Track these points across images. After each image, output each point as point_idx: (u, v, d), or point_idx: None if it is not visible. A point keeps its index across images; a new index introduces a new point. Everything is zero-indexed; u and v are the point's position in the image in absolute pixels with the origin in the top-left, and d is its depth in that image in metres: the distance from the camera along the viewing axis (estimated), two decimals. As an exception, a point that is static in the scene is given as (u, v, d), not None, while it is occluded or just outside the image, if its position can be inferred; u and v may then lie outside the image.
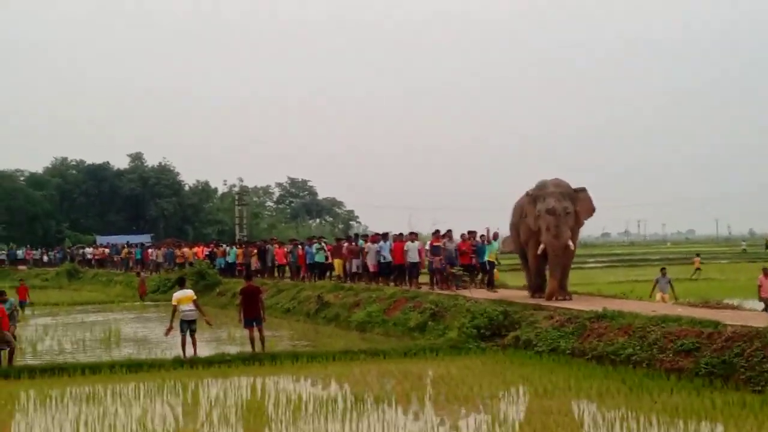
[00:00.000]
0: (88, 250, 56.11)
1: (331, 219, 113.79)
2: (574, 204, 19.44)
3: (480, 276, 24.08)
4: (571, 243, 19.22)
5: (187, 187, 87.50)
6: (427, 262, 24.39)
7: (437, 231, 24.33)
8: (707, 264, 44.82)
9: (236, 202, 63.47)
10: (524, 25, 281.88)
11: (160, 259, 42.43)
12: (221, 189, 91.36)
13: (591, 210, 20.01)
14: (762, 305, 20.44)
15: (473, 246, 23.61)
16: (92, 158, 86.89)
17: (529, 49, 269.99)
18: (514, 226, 21.28)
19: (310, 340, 20.33)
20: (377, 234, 27.45)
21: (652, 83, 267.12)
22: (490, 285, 23.22)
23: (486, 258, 23.33)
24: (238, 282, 25.71)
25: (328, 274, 28.84)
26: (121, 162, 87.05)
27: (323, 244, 29.76)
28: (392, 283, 24.65)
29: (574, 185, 19.95)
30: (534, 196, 19.68)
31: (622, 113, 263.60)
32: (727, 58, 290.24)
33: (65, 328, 23.41)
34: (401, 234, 25.28)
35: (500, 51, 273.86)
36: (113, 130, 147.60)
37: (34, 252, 61.80)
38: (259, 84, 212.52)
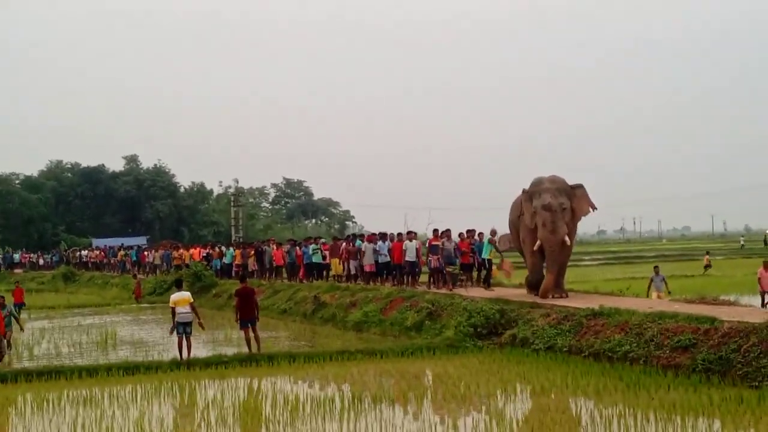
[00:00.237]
0: (85, 252, 56.08)
1: (327, 219, 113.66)
2: (571, 200, 19.39)
3: (477, 274, 24.06)
4: (567, 239, 19.18)
5: (182, 189, 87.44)
6: (426, 260, 24.35)
7: (436, 230, 24.31)
8: (702, 261, 44.89)
9: (232, 204, 63.33)
10: (524, 24, 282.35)
11: (158, 261, 42.41)
12: (217, 190, 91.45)
13: (590, 207, 19.88)
14: (760, 299, 20.55)
15: (472, 245, 23.59)
16: (87, 161, 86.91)
17: (527, 49, 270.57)
18: (513, 224, 21.27)
19: (307, 341, 20.31)
20: (374, 234, 27.43)
21: (651, 83, 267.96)
22: (487, 283, 23.20)
23: (485, 255, 23.25)
24: (235, 283, 25.66)
25: (324, 274, 28.80)
26: (116, 164, 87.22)
27: (320, 244, 29.73)
28: (388, 283, 24.64)
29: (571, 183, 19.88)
30: (530, 193, 19.67)
31: (619, 113, 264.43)
32: (725, 57, 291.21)
33: (62, 331, 23.35)
34: (400, 234, 25.27)
35: (499, 51, 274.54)
36: (108, 133, 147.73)
37: (32, 255, 61.76)
38: (254, 85, 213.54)
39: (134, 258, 46.14)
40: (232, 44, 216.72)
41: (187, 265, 36.62)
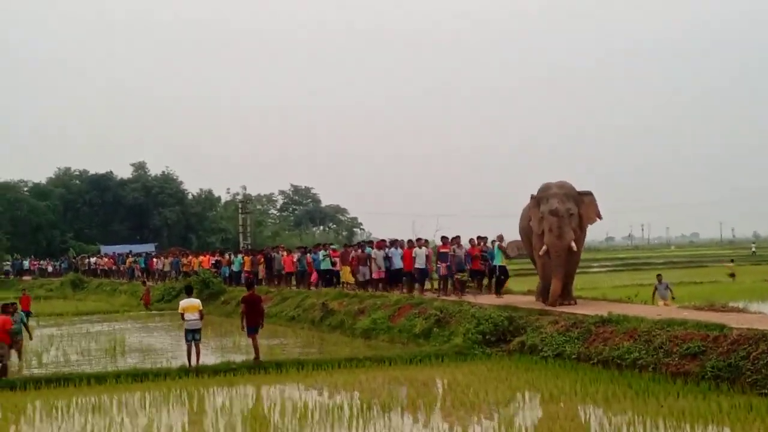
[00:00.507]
0: (93, 259, 56.26)
1: (335, 226, 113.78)
2: (579, 206, 19.34)
3: (487, 281, 23.91)
4: (574, 244, 19.05)
5: (190, 196, 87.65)
6: (435, 268, 24.29)
7: (444, 237, 24.25)
8: (712, 267, 44.78)
9: (240, 211, 63.45)
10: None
11: (167, 268, 42.49)
12: (224, 197, 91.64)
13: (596, 215, 19.86)
14: None
15: (483, 251, 23.51)
16: (95, 168, 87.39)
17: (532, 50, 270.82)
18: (524, 231, 21.23)
19: (316, 348, 20.31)
20: (383, 240, 27.39)
21: (654, 85, 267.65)
22: (498, 290, 22.92)
23: (498, 262, 23.06)
24: (243, 290, 25.70)
25: (335, 281, 28.67)
26: (124, 171, 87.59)
27: (329, 250, 29.72)
28: (397, 291, 24.61)
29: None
30: (538, 198, 19.64)
31: (625, 117, 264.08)
32: (728, 59, 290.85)
33: (70, 339, 23.40)
34: (411, 240, 25.25)
35: (499, 52, 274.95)
36: (116, 139, 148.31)
37: (42, 262, 61.98)
38: (261, 92, 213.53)
39: (142, 265, 46.26)
40: (239, 51, 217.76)
41: (196, 272, 36.68)
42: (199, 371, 15.66)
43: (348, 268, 27.19)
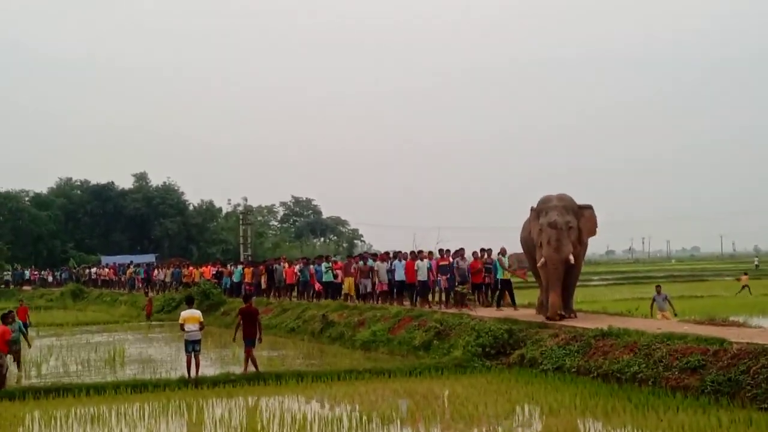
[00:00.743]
0: (94, 270, 56.27)
1: (336, 238, 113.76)
2: (578, 220, 19.32)
3: (491, 295, 23.81)
4: (572, 257, 18.97)
5: (191, 207, 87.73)
6: (436, 280, 24.24)
7: (442, 250, 24.22)
8: (711, 281, 44.76)
9: (241, 222, 63.46)
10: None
11: (168, 279, 42.48)
12: (225, 208, 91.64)
13: (594, 229, 19.87)
14: None
15: (486, 264, 23.46)
16: (97, 178, 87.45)
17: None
18: (525, 243, 21.22)
19: (315, 360, 20.28)
20: (386, 253, 27.36)
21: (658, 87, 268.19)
22: (498, 303, 22.86)
23: (500, 276, 23.06)
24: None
25: (337, 296, 28.40)
26: (125, 182, 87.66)
27: (331, 262, 29.68)
28: (396, 303, 24.58)
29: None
30: (537, 211, 19.63)
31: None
32: (727, 66, 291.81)
33: (70, 349, 23.37)
34: (413, 252, 25.21)
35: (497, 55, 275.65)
36: (117, 151, 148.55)
37: (43, 272, 61.99)
38: (262, 100, 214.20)
39: (143, 276, 46.26)
40: (240, 53, 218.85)
41: (197, 283, 36.67)
42: (199, 382, 15.63)
43: (352, 280, 27.11)
